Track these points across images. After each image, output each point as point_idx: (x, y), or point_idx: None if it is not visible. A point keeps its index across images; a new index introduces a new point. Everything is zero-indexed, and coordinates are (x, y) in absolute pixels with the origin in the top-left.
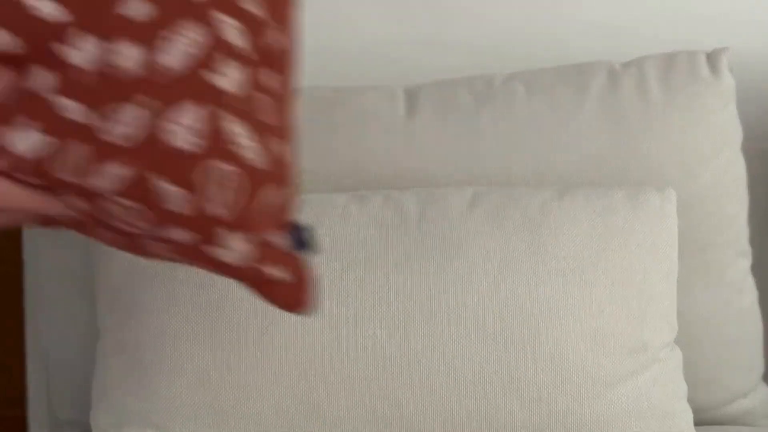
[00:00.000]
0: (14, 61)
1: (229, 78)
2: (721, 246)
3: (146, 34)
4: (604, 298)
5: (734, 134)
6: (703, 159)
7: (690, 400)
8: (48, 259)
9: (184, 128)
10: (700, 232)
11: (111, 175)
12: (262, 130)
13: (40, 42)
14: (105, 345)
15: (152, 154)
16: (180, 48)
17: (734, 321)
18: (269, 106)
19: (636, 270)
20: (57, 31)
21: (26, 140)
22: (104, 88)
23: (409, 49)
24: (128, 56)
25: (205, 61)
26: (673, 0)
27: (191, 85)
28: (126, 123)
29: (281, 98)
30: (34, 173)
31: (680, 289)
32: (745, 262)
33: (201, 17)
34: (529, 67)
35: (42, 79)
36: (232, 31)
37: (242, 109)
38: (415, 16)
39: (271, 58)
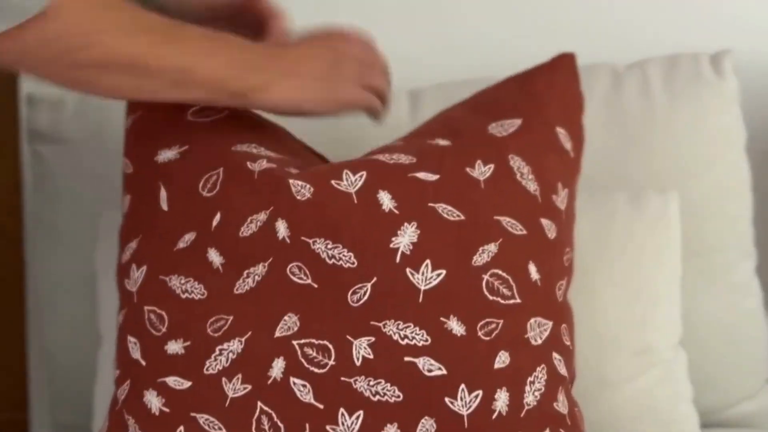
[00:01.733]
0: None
1: (561, 403)
2: (726, 248)
3: (514, 381)
4: (607, 300)
5: (738, 136)
6: (706, 161)
7: (695, 402)
8: (50, 262)
9: None
10: (704, 234)
11: None
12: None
13: (421, 393)
14: (107, 351)
15: None
16: (535, 388)
17: (739, 322)
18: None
19: (639, 272)
20: (439, 385)
21: None
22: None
23: (413, 51)
24: (501, 401)
25: (550, 394)
26: (677, 2)
27: (544, 415)
28: None
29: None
30: None
31: (685, 291)
32: (750, 264)
33: (547, 360)
34: None
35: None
36: (561, 365)
37: (570, 424)
38: (418, 19)
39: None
